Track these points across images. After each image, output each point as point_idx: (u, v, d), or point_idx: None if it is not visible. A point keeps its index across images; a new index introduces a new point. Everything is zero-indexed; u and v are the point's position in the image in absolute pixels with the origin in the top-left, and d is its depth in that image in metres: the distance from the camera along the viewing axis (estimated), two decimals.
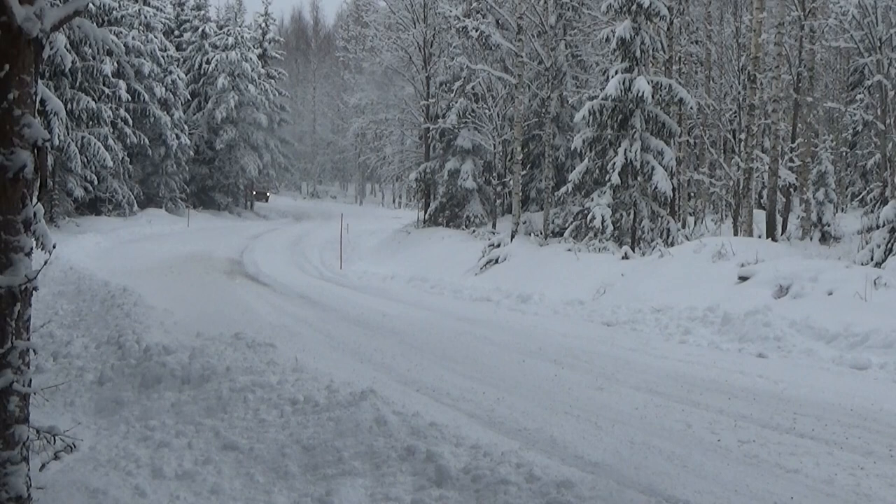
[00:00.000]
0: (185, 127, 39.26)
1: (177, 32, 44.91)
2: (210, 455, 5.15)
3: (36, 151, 3.65)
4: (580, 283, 14.18)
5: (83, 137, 26.75)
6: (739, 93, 21.62)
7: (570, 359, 8.73)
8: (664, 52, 19.61)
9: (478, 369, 8.19)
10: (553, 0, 22.32)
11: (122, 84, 30.48)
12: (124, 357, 7.46)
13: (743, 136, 19.04)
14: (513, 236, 20.07)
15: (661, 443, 5.69)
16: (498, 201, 26.37)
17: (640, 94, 16.53)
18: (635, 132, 17.07)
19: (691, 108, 19.14)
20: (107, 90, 29.26)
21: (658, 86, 17.24)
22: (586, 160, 18.12)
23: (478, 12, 24.19)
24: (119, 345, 7.95)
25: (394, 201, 68.18)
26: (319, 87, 73.10)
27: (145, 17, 35.09)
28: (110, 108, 29.50)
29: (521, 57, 20.61)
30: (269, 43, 51.44)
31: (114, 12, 31.03)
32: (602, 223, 16.77)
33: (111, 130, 29.48)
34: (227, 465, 5.02)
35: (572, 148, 19.16)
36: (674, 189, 18.43)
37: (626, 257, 15.40)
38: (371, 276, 18.67)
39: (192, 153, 40.48)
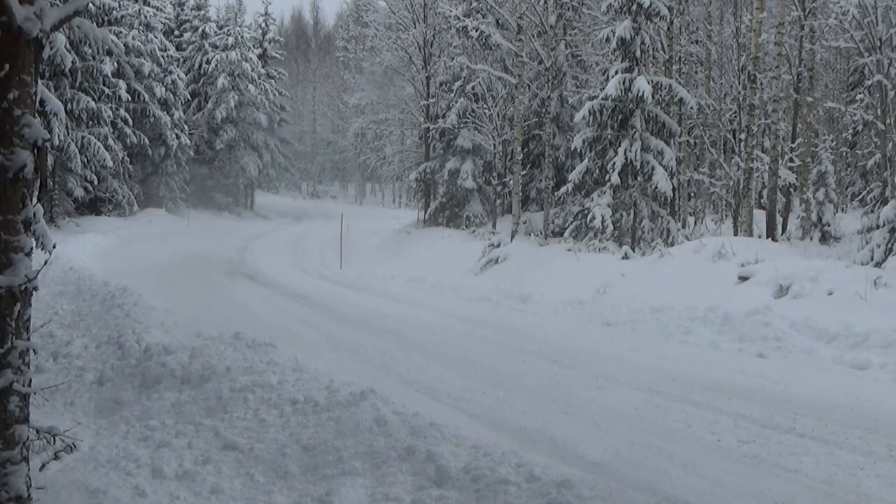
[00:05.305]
0: (185, 127, 39.22)
1: (177, 32, 44.87)
2: (210, 455, 5.15)
3: (36, 151, 3.65)
4: (580, 283, 14.16)
5: (83, 137, 26.73)
6: (739, 93, 21.59)
7: (570, 359, 8.73)
8: (664, 52, 19.60)
9: (478, 369, 8.18)
10: (553, 0, 22.32)
11: (122, 84, 30.44)
12: (124, 357, 7.46)
13: (743, 136, 19.02)
14: (513, 236, 20.06)
15: (662, 443, 5.69)
16: (498, 201, 26.36)
17: (640, 94, 16.52)
18: (635, 132, 17.06)
19: (691, 108, 19.13)
20: (107, 90, 29.24)
21: (658, 86, 17.23)
22: (586, 160, 18.12)
23: (478, 12, 24.19)
24: (119, 345, 7.95)
25: (394, 201, 68.07)
26: (319, 87, 72.99)
27: (145, 17, 35.06)
28: (110, 108, 29.48)
29: (521, 57, 20.60)
30: (269, 43, 51.40)
31: (114, 12, 31.00)
32: (602, 223, 16.76)
33: (111, 130, 29.46)
34: (227, 465, 5.02)
35: (572, 148, 19.15)
36: (674, 189, 18.42)
37: (626, 257, 15.39)
38: (371, 276, 18.67)
39: (192, 153, 40.45)
